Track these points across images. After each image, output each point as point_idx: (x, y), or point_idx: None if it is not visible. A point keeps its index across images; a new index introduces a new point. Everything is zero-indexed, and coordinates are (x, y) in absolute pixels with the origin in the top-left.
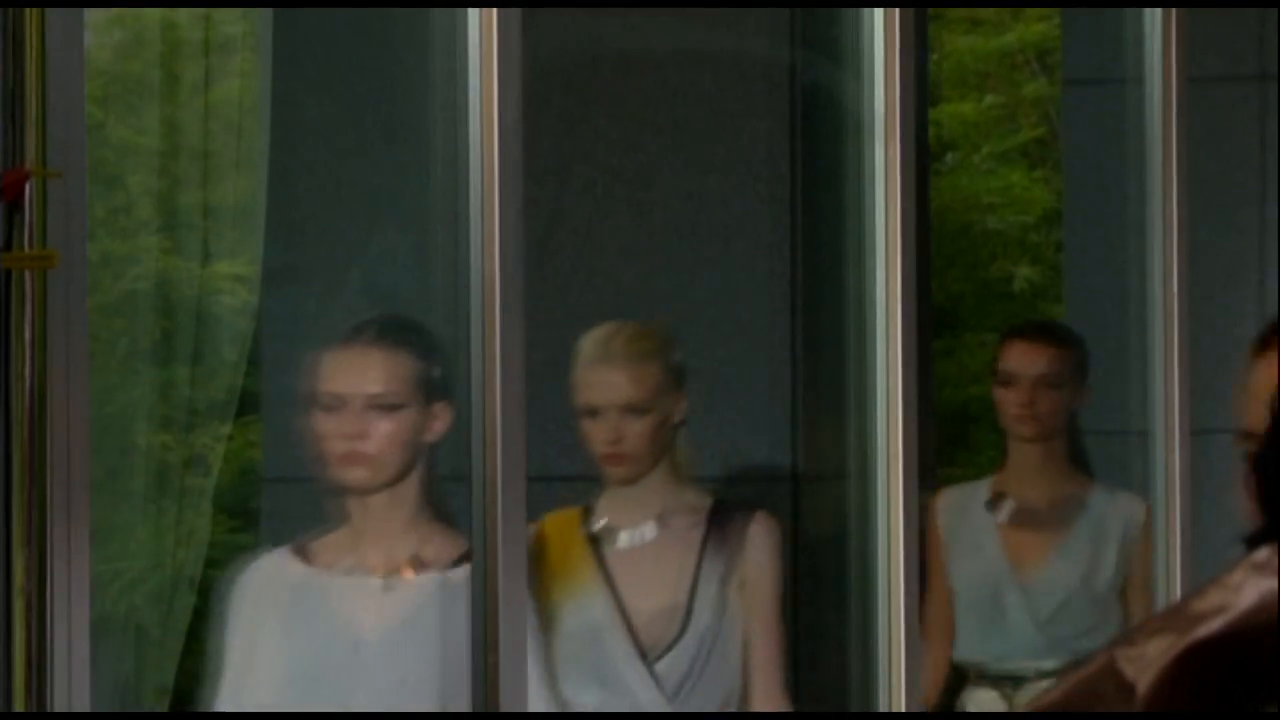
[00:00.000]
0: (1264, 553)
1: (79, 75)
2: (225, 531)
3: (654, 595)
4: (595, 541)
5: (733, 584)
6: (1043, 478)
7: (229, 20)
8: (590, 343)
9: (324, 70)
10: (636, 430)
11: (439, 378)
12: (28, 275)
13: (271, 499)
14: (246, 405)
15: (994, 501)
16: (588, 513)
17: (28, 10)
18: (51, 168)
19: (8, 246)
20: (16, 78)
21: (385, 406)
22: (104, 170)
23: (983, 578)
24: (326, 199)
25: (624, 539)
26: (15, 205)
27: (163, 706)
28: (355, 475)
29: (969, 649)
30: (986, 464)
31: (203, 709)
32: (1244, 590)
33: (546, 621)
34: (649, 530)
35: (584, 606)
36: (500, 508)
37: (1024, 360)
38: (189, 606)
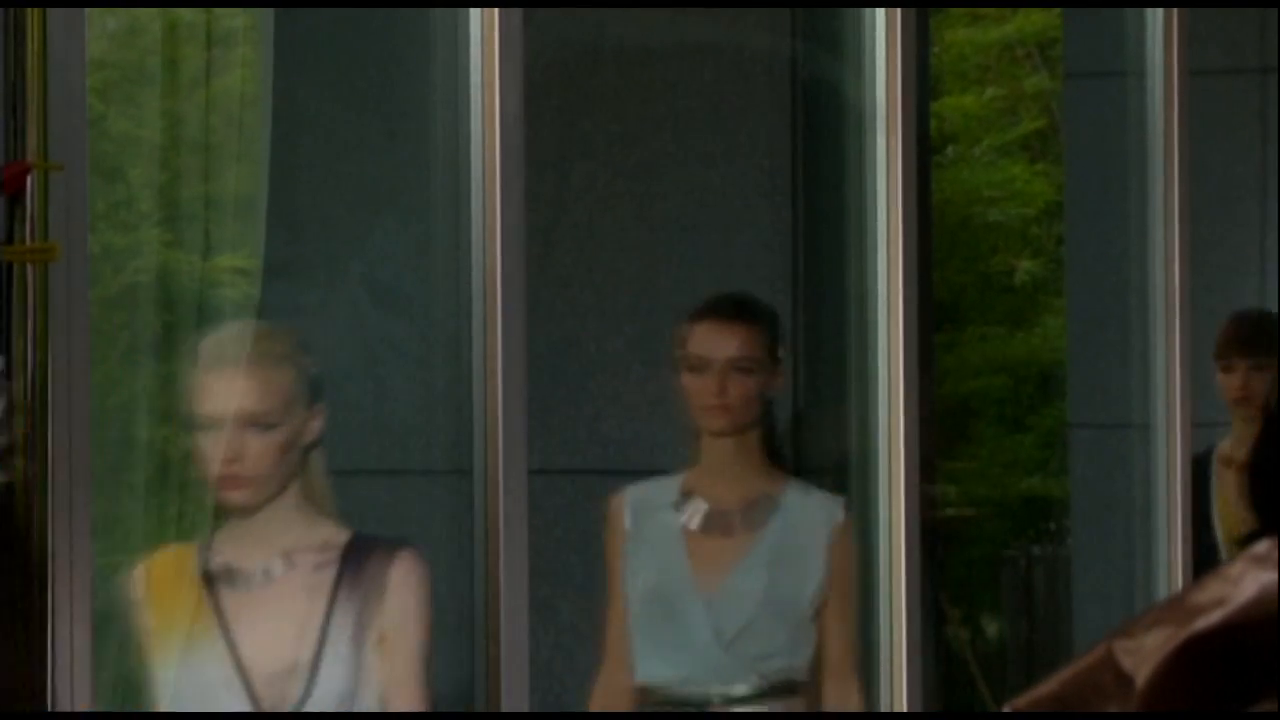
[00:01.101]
0: (1263, 545)
1: (80, 69)
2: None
3: (275, 649)
4: (210, 583)
5: (369, 638)
6: (734, 475)
7: (230, 13)
8: (210, 343)
9: (326, 63)
10: (257, 448)
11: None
12: (29, 268)
13: None
14: None
15: (681, 502)
16: (204, 549)
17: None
18: (53, 161)
19: (9, 239)
20: (18, 72)
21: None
22: (105, 163)
23: (663, 589)
24: (328, 192)
25: (243, 580)
26: (17, 198)
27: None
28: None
29: (649, 670)
30: (988, 456)
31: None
32: (1243, 583)
33: (150, 683)
34: (275, 569)
35: (195, 663)
36: (501, 502)
37: (714, 342)
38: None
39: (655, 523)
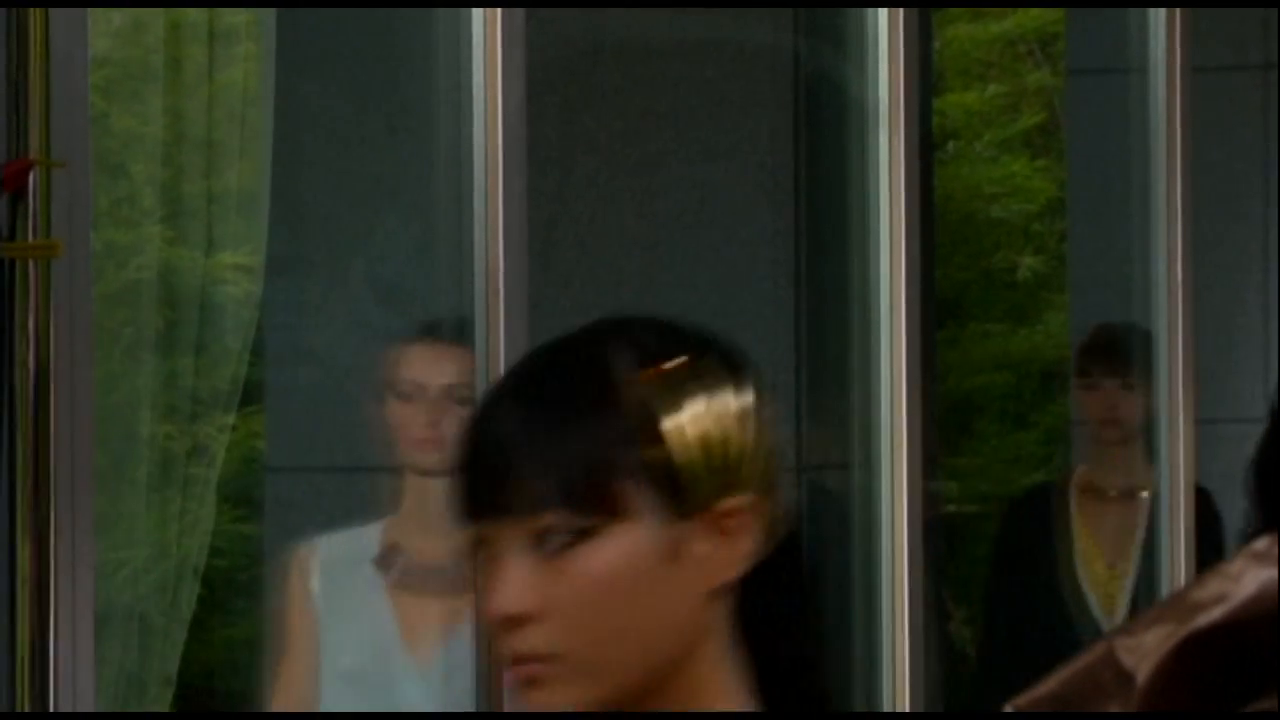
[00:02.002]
0: (1264, 542)
1: (83, 66)
2: (229, 521)
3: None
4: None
5: None
6: (445, 524)
7: (232, 10)
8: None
9: (328, 60)
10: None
11: None
12: (32, 265)
13: (275, 489)
14: (250, 395)
15: (385, 556)
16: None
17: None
18: (55, 158)
19: (11, 236)
20: (20, 68)
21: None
22: (107, 160)
23: (370, 654)
24: (330, 189)
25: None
26: (19, 195)
27: (166, 697)
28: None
29: None
30: (990, 453)
31: None
32: (1243, 579)
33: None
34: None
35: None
36: None
37: (428, 368)
38: (193, 596)
39: (355, 580)
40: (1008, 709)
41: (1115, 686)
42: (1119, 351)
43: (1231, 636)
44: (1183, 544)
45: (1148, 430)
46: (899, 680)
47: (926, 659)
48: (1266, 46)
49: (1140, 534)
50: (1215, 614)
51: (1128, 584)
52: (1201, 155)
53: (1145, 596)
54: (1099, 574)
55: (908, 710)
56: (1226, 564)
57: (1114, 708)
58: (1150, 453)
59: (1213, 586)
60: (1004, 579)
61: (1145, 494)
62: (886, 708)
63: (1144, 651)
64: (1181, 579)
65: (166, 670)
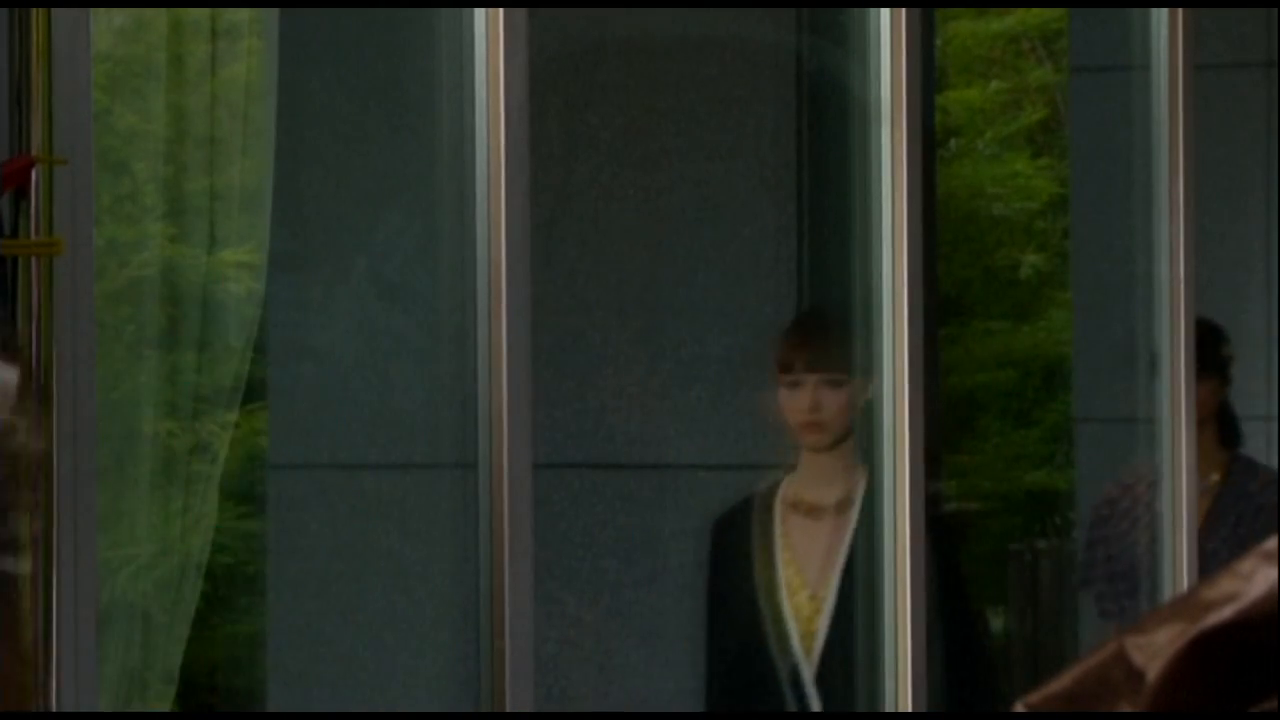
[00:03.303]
0: (1275, 541)
1: (85, 63)
2: (233, 518)
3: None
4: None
5: None
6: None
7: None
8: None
9: (331, 57)
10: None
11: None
12: (34, 262)
13: (278, 485)
14: (253, 392)
15: None
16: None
17: None
18: (57, 155)
19: (14, 233)
20: (23, 65)
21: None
22: (110, 157)
23: None
24: (333, 186)
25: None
26: (22, 192)
27: (169, 694)
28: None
29: None
30: (993, 451)
31: None
32: (1255, 578)
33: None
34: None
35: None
36: (507, 495)
37: None
38: (196, 593)
39: None
40: (1019, 706)
41: (1126, 684)
42: (825, 343)
43: (1242, 635)
44: (1184, 545)
45: (859, 431)
46: (901, 679)
47: (929, 658)
48: (1269, 44)
49: (843, 555)
50: (1226, 613)
51: (825, 617)
52: (1204, 152)
53: (843, 628)
54: (801, 605)
55: (910, 710)
56: (1238, 562)
57: (1124, 706)
58: (862, 458)
59: (1224, 585)
60: (714, 616)
61: (855, 509)
62: (888, 707)
63: (1155, 649)
64: (1184, 582)
65: (169, 667)
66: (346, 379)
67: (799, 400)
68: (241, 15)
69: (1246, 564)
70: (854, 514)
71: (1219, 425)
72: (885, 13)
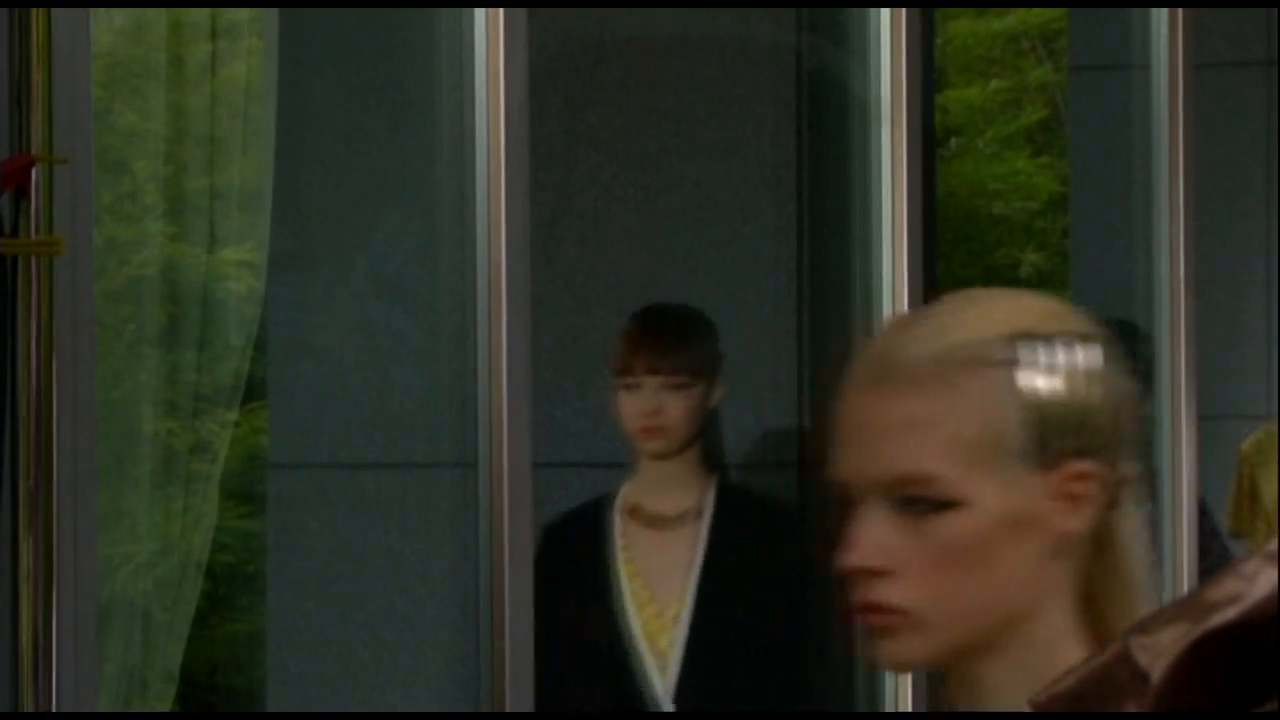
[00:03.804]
0: (1275, 543)
1: (85, 62)
2: (233, 517)
3: None
4: None
5: None
6: None
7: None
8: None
9: (330, 56)
10: None
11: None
12: (34, 261)
13: (278, 484)
14: (253, 391)
15: None
16: None
17: None
18: (57, 154)
19: (14, 232)
20: (23, 64)
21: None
22: (110, 156)
23: None
24: (332, 185)
25: None
26: (22, 191)
27: (168, 693)
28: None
29: None
30: None
31: None
32: (1258, 579)
33: None
34: None
35: None
36: (506, 495)
37: None
38: (196, 592)
39: None
40: (1025, 705)
41: (1131, 685)
42: (666, 343)
43: (1245, 637)
44: (1185, 547)
45: (707, 436)
46: (902, 677)
47: None
48: (1268, 43)
49: (697, 567)
50: (1230, 613)
51: (680, 632)
52: (1204, 151)
53: (702, 646)
54: (649, 622)
55: (910, 710)
56: (1243, 563)
57: (1130, 706)
58: (712, 465)
59: (1228, 586)
60: (546, 634)
61: (707, 519)
62: (890, 707)
63: (1159, 650)
64: (1184, 585)
65: (169, 666)
66: (346, 378)
67: (637, 404)
68: (241, 15)
69: (1250, 565)
70: (704, 525)
71: None
72: (885, 12)
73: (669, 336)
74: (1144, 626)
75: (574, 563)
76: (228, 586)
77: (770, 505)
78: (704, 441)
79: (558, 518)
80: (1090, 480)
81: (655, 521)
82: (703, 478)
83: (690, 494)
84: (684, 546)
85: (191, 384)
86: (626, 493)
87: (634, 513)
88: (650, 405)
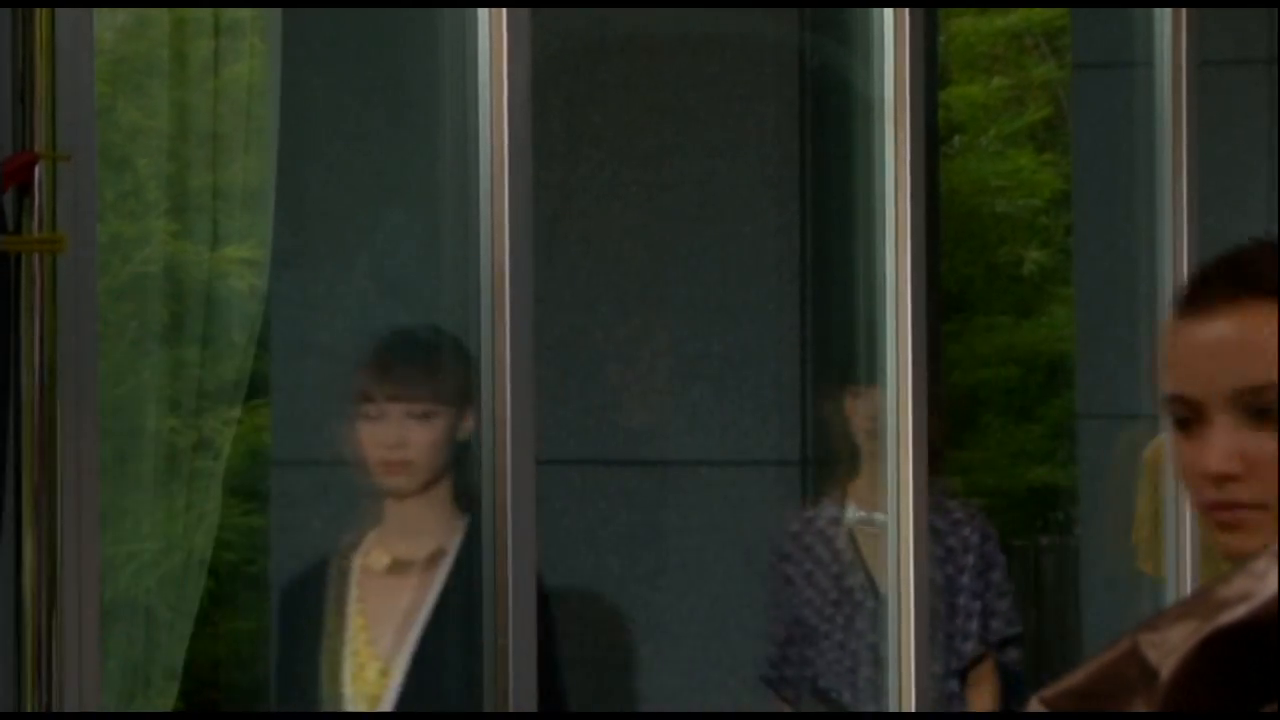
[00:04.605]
0: None
1: (88, 59)
2: (236, 515)
3: None
4: None
5: None
6: None
7: None
8: None
9: (333, 53)
10: None
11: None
12: (37, 258)
13: (281, 482)
14: (256, 388)
15: None
16: None
17: None
18: (61, 151)
19: (17, 230)
20: (26, 62)
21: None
22: (113, 153)
23: None
24: (335, 183)
25: None
26: (25, 189)
27: (171, 691)
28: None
29: None
30: (996, 447)
31: None
32: (1268, 578)
33: None
34: None
35: None
36: (510, 491)
37: None
38: (199, 590)
39: None
40: (1034, 701)
41: (1139, 682)
42: (411, 369)
43: (1254, 635)
44: (1188, 550)
45: (457, 472)
46: (904, 677)
47: (931, 657)
48: (1270, 40)
49: (424, 618)
50: (1239, 611)
51: (392, 692)
52: (1206, 149)
53: (411, 697)
54: (368, 682)
55: (913, 710)
56: (1253, 561)
57: (1139, 703)
58: (463, 505)
59: (1238, 584)
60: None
61: (449, 563)
62: (891, 707)
63: (1169, 647)
64: (1188, 585)
65: (172, 664)
66: (349, 375)
67: (379, 434)
68: (244, 13)
69: (1260, 563)
70: (445, 569)
71: None
72: (888, 10)
73: (415, 361)
74: (1153, 623)
75: (308, 621)
76: (231, 584)
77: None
78: (454, 477)
79: (296, 574)
80: None
81: (396, 567)
82: (451, 518)
83: (437, 536)
84: (418, 594)
85: (194, 381)
86: (371, 541)
87: (375, 559)
88: (393, 436)
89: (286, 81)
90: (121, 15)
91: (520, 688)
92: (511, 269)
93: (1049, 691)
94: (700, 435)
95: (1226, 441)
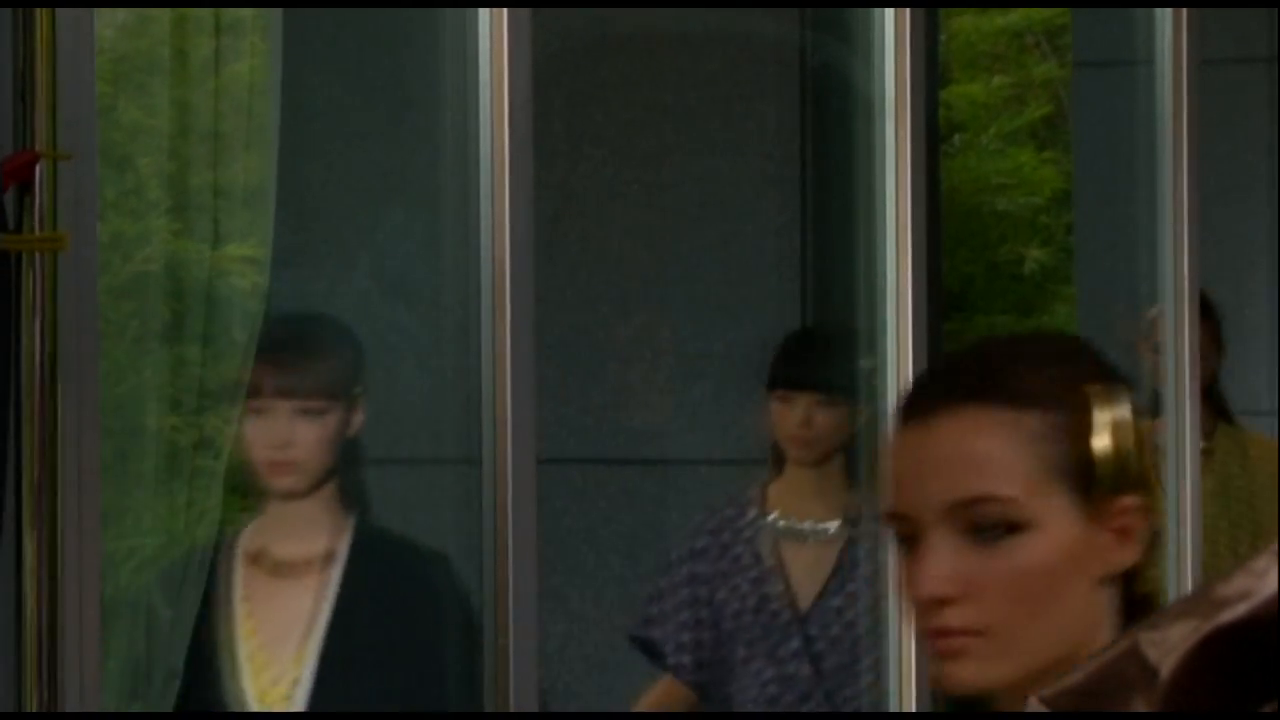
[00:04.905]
0: None
1: (89, 58)
2: (237, 512)
3: None
4: None
5: None
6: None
7: None
8: None
9: (335, 53)
10: None
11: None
12: (38, 257)
13: None
14: None
15: None
16: None
17: None
18: (61, 150)
19: (18, 229)
20: (27, 61)
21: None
22: (114, 152)
23: None
24: (336, 182)
25: None
26: (25, 187)
27: (171, 690)
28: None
29: None
30: None
31: None
32: (1268, 576)
33: None
34: None
35: None
36: (510, 491)
37: None
38: (201, 589)
39: None
40: (1034, 700)
41: (1140, 680)
42: (300, 361)
43: (1255, 634)
44: (1189, 547)
45: (345, 471)
46: (904, 676)
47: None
48: (1271, 39)
49: (322, 625)
50: (1240, 610)
51: (298, 702)
52: (1207, 147)
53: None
54: (265, 689)
55: (914, 710)
56: (1254, 560)
57: (1139, 701)
58: (350, 504)
59: (1238, 582)
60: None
61: (339, 568)
62: (892, 707)
63: (1169, 646)
64: (1188, 584)
65: (173, 662)
66: None
67: (265, 432)
68: (245, 12)
69: (1261, 561)
70: (335, 574)
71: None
72: (889, 9)
73: (305, 351)
74: (1153, 622)
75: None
76: None
77: (414, 550)
78: (341, 477)
79: (174, 559)
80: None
81: (280, 569)
82: (338, 518)
83: (321, 537)
84: (310, 600)
85: (195, 380)
86: (251, 535)
87: (257, 559)
88: (280, 435)
89: (287, 80)
90: (122, 14)
91: (520, 688)
92: (512, 268)
93: (1049, 691)
94: (701, 434)
95: (941, 562)
